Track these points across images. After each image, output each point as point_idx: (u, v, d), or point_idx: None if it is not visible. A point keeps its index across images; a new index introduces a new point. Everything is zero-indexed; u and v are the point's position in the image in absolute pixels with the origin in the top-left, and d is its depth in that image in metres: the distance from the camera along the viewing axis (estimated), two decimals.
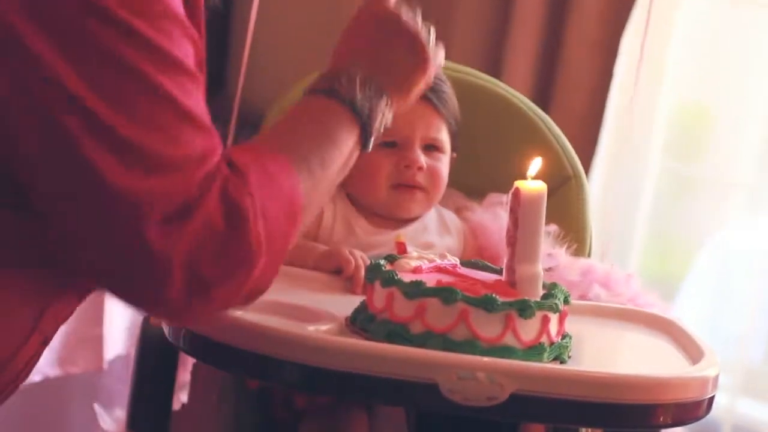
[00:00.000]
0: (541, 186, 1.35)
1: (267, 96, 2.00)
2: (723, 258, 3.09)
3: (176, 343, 1.36)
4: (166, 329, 1.37)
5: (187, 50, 1.13)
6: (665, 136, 2.99)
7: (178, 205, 1.09)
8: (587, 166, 2.81)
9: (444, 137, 1.71)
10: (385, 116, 1.34)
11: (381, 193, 1.68)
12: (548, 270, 1.60)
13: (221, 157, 1.15)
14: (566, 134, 2.76)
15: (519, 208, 1.35)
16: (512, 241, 1.37)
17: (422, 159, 1.67)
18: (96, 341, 2.20)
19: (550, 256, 1.63)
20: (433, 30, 1.40)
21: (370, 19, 1.39)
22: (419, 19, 1.40)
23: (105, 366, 2.24)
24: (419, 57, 1.38)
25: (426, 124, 1.69)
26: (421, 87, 1.39)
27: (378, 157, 1.67)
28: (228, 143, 1.92)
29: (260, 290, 1.19)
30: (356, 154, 1.32)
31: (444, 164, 1.71)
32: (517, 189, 1.36)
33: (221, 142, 1.16)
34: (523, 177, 1.37)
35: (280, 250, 1.18)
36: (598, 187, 2.89)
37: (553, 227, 1.68)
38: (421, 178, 1.68)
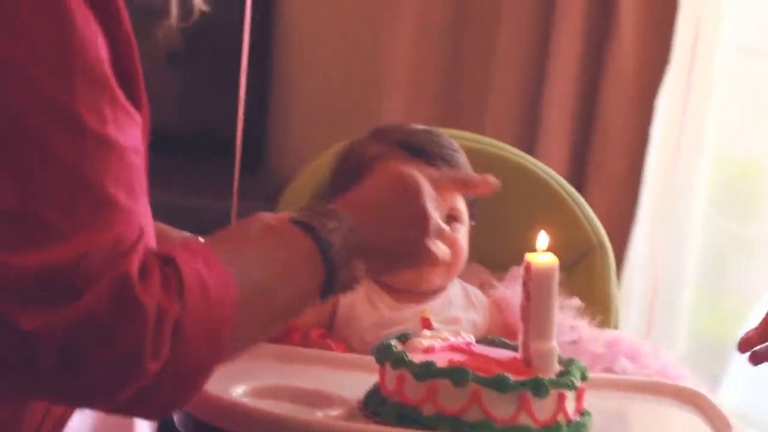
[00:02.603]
0: (551, 259, 1.32)
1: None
2: None
3: (185, 430, 1.34)
4: (175, 417, 1.35)
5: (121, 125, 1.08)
6: (712, 195, 2.94)
7: (59, 282, 1.02)
8: (628, 229, 2.77)
9: (461, 207, 1.67)
10: (355, 279, 1.22)
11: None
12: (572, 343, 1.56)
13: (144, 249, 1.07)
14: (605, 198, 2.74)
15: (530, 282, 1.32)
16: (526, 316, 1.33)
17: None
18: (127, 426, 2.18)
19: (573, 328, 1.59)
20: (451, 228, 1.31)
21: (392, 182, 1.26)
22: (442, 210, 1.27)
23: None
24: (417, 251, 1.25)
25: (442, 195, 1.64)
26: (405, 270, 1.31)
27: None
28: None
29: (165, 406, 1.10)
30: (312, 300, 1.20)
31: (463, 235, 1.67)
32: (527, 263, 1.33)
33: (138, 228, 1.08)
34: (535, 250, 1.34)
35: (189, 375, 1.09)
36: (643, 250, 2.85)
37: (576, 301, 1.64)
38: None
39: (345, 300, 1.62)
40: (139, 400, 1.08)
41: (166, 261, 1.09)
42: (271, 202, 1.86)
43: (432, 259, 1.26)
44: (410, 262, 1.28)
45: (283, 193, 1.84)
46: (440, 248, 1.27)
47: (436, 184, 1.29)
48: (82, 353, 1.03)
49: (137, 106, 1.12)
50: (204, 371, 1.10)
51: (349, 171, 1.66)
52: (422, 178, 1.27)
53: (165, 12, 1.22)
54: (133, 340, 1.04)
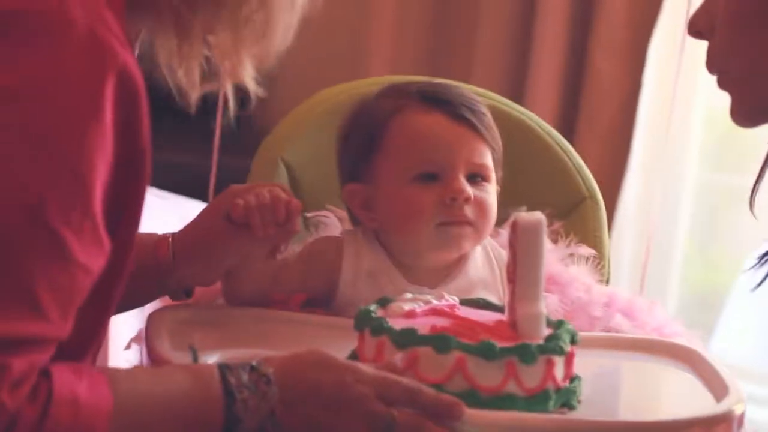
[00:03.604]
0: (539, 217, 1.25)
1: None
2: None
3: None
4: None
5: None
6: (705, 145, 2.89)
7: None
8: (620, 179, 2.71)
9: (490, 164, 1.49)
10: None
11: (424, 236, 1.46)
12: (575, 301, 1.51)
13: (38, 358, 1.05)
14: (596, 149, 2.67)
15: (517, 241, 1.25)
16: (512, 277, 1.26)
17: (469, 189, 1.46)
18: None
19: (587, 290, 1.51)
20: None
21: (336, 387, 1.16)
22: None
23: None
24: None
25: (469, 149, 1.48)
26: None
27: (417, 193, 1.46)
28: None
29: None
30: None
31: (492, 195, 1.49)
32: (514, 222, 1.26)
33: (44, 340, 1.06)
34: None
35: None
36: (635, 199, 2.80)
37: (590, 251, 1.57)
38: (469, 212, 1.46)
39: (346, 278, 1.48)
40: None
41: (44, 374, 1.07)
42: (252, 155, 1.79)
43: None
44: None
45: (263, 144, 1.77)
46: None
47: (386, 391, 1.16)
48: None
49: (127, 224, 1.12)
50: None
51: (364, 130, 1.50)
52: (367, 391, 1.16)
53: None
54: None
